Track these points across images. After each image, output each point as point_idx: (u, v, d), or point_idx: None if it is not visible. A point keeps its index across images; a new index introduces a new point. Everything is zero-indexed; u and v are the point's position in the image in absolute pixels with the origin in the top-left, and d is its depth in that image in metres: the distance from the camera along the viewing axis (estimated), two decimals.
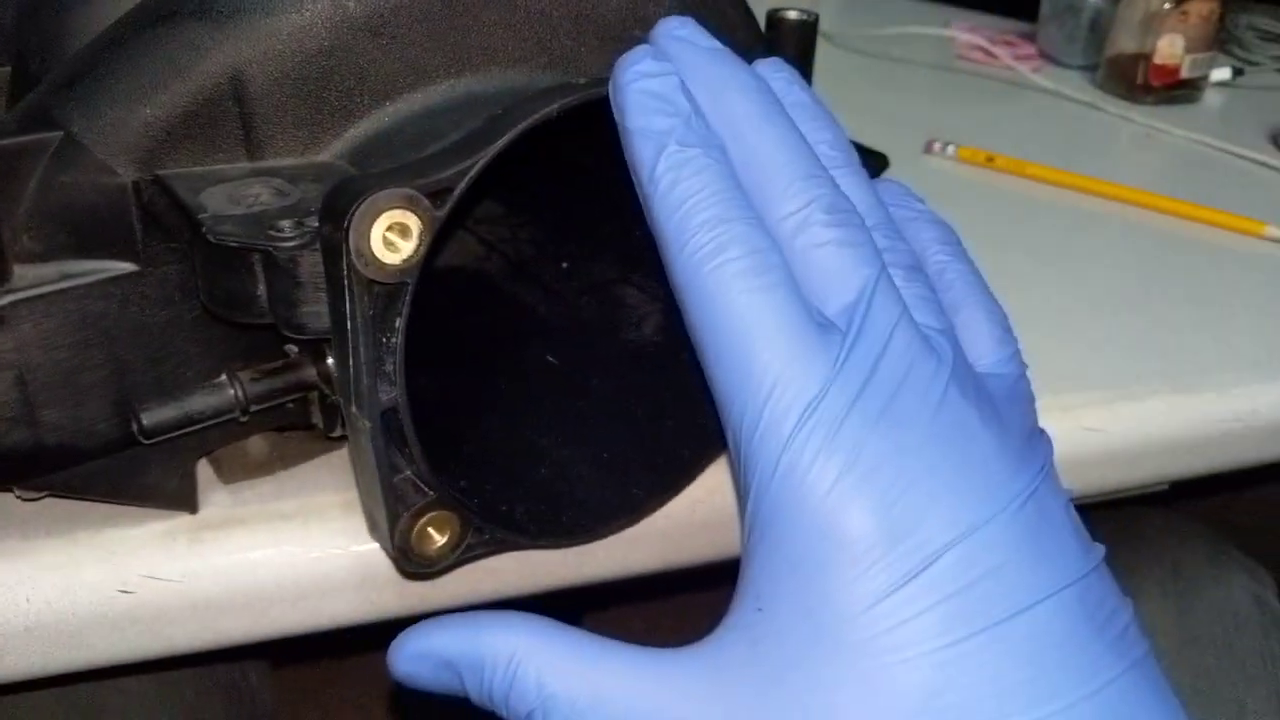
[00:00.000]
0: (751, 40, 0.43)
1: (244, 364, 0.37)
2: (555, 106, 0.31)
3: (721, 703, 0.27)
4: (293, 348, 0.37)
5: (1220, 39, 0.88)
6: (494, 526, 0.35)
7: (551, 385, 0.44)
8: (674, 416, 0.41)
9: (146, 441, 0.33)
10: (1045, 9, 0.94)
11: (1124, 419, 0.49)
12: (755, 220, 0.28)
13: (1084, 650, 0.26)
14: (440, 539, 0.34)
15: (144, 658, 0.39)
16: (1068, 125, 0.84)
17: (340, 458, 0.41)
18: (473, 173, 0.29)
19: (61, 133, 0.34)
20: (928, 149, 0.76)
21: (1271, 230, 0.66)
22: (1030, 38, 0.97)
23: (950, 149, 0.76)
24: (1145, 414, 0.50)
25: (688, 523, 0.41)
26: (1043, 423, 0.47)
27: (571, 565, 0.41)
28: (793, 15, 0.48)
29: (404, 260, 0.29)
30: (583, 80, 0.33)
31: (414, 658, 0.31)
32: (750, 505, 0.28)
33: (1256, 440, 0.51)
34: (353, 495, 0.39)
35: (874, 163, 0.70)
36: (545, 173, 0.42)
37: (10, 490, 0.38)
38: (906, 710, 0.25)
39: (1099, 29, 0.89)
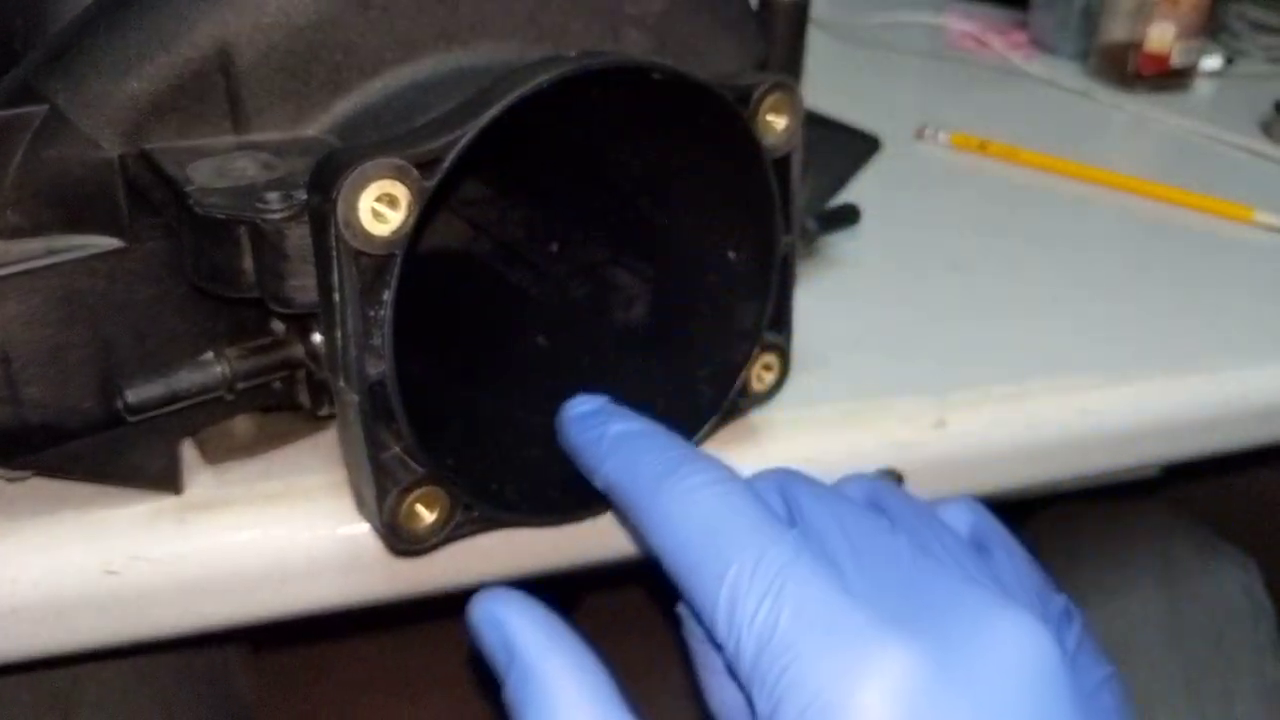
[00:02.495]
0: (747, 29, 0.43)
1: (230, 342, 0.37)
2: (546, 78, 0.30)
3: None
4: (279, 325, 0.37)
5: (1211, 28, 0.88)
6: (483, 504, 0.34)
7: (542, 366, 0.43)
8: (664, 396, 0.41)
9: (131, 419, 0.33)
10: None
11: (1119, 402, 0.49)
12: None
13: None
14: (429, 516, 0.33)
15: (129, 639, 0.39)
16: (1059, 113, 0.84)
17: (328, 439, 0.41)
18: (462, 143, 0.29)
19: (46, 107, 0.33)
20: (919, 135, 0.76)
21: (1260, 216, 0.66)
22: (1022, 26, 0.97)
23: (942, 135, 0.76)
24: (1139, 397, 0.50)
25: None
26: (1038, 405, 0.48)
27: (563, 548, 0.40)
28: None
29: (392, 232, 0.29)
30: (573, 53, 0.33)
31: (488, 622, 0.32)
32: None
33: (1247, 423, 0.52)
34: (340, 476, 0.39)
35: (865, 145, 0.70)
36: (534, 154, 0.41)
37: None
38: None
39: (1090, 17, 0.89)
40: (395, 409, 0.31)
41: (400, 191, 0.28)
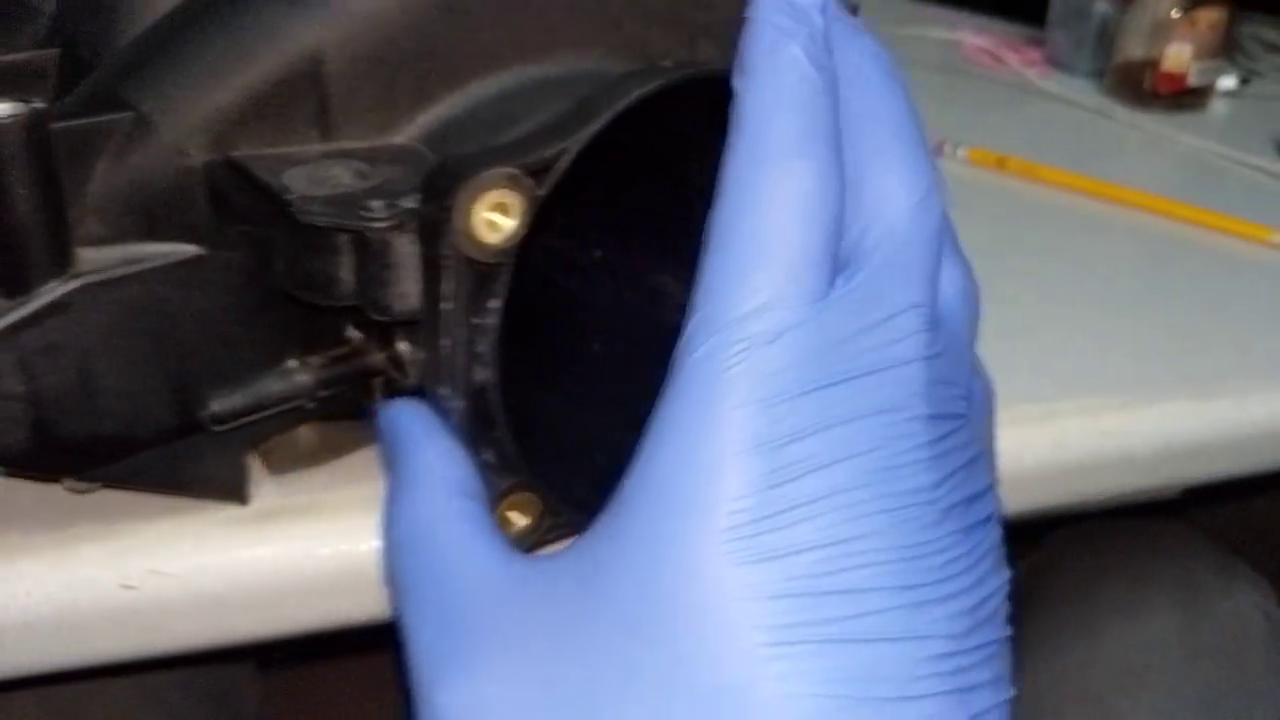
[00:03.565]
0: None
1: (299, 351, 0.36)
2: (651, 88, 0.30)
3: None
4: (355, 333, 0.37)
5: (1226, 48, 0.89)
6: (567, 508, 0.34)
7: (602, 372, 0.43)
8: None
9: (217, 428, 0.33)
10: (1053, 14, 0.95)
11: (1143, 423, 0.49)
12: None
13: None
14: (521, 521, 0.33)
15: (146, 655, 0.38)
16: (1075, 130, 0.85)
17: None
18: (574, 151, 0.29)
19: (131, 114, 0.33)
20: (938, 150, 0.76)
21: (1278, 237, 0.66)
22: (1037, 43, 0.98)
23: (961, 151, 0.76)
24: (1164, 418, 0.50)
25: None
26: (1061, 426, 0.48)
27: None
28: None
29: (504, 240, 0.29)
30: (668, 64, 0.33)
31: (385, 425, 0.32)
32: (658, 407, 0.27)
33: (1273, 445, 0.52)
34: (367, 491, 0.38)
35: None
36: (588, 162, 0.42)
37: (58, 482, 0.37)
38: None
39: (1106, 35, 0.90)
40: (496, 415, 0.31)
41: (513, 200, 0.28)
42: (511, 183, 0.28)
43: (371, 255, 0.30)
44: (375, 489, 0.38)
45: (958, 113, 0.87)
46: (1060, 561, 0.69)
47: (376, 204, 0.30)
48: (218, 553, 0.37)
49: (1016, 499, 0.47)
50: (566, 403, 0.41)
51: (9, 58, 0.40)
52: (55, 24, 0.42)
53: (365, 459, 0.41)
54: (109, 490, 0.37)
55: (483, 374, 0.30)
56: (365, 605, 0.39)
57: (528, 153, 0.29)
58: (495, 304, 0.29)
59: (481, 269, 0.29)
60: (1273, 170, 0.78)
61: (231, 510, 0.38)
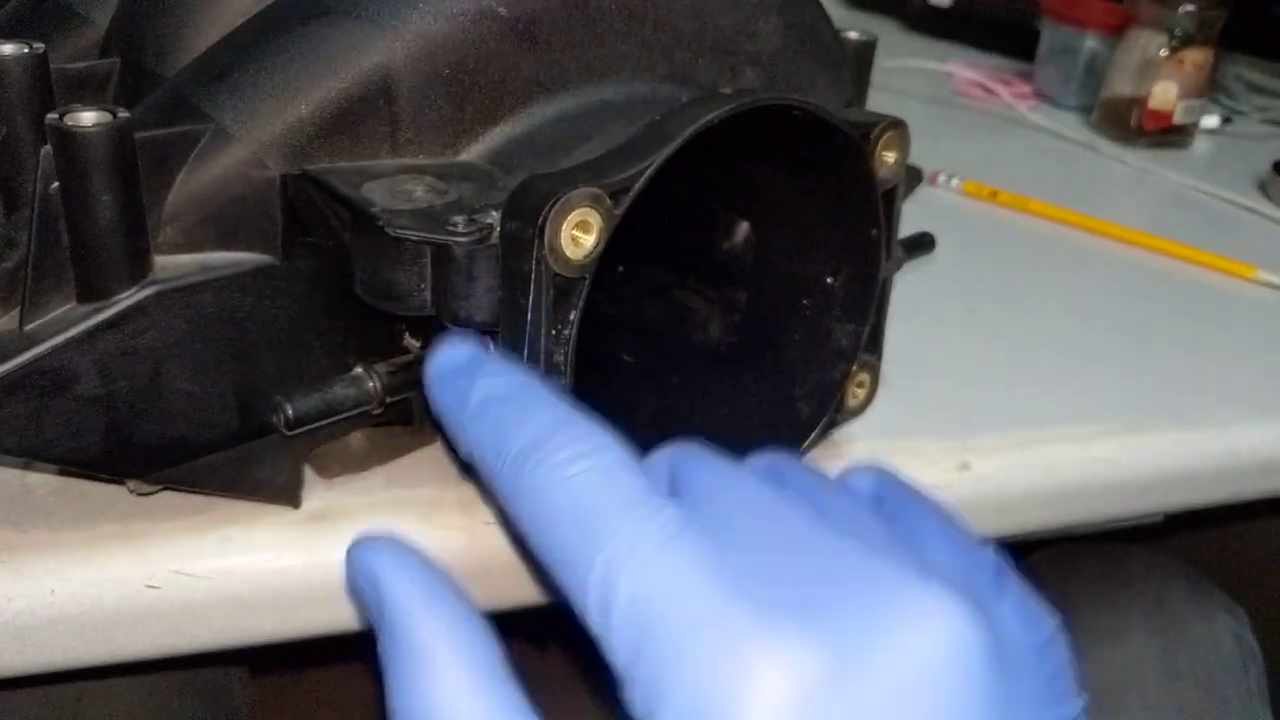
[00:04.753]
0: (841, 70, 0.45)
1: (358, 358, 0.38)
2: (718, 114, 0.32)
3: None
4: (414, 342, 0.38)
5: (1211, 88, 0.92)
6: None
7: (633, 383, 0.45)
8: (761, 412, 0.43)
9: (289, 433, 0.34)
10: (1043, 49, 0.98)
11: (1132, 451, 0.51)
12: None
13: None
14: None
15: (168, 654, 0.39)
16: (1063, 163, 0.87)
17: (429, 453, 0.42)
18: (649, 173, 0.30)
19: (212, 125, 0.34)
20: (931, 181, 0.78)
21: (1261, 274, 0.69)
22: (1027, 77, 1.01)
23: (955, 181, 0.78)
24: (1152, 447, 0.51)
25: None
26: (1056, 452, 0.49)
27: None
28: (854, 36, 0.49)
29: (585, 256, 0.30)
30: (726, 91, 0.34)
31: (361, 574, 0.29)
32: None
33: (1253, 475, 0.54)
34: (387, 496, 0.40)
35: (911, 175, 0.71)
36: None
37: (123, 483, 0.38)
38: None
39: (1095, 71, 0.93)
40: None
41: (594, 218, 0.30)
42: (594, 202, 0.29)
43: (454, 268, 0.31)
44: (396, 495, 0.40)
45: (948, 143, 0.89)
46: (1037, 585, 0.70)
47: (459, 219, 0.31)
48: (241, 555, 0.38)
49: (1008, 522, 0.48)
50: (605, 414, 0.42)
51: (71, 66, 0.41)
52: (111, 32, 0.43)
53: (406, 464, 0.42)
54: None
55: (561, 383, 0.31)
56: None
57: (609, 174, 0.30)
58: (573, 316, 0.31)
59: (563, 283, 0.30)
60: (1254, 207, 0.81)
61: (252, 512, 0.39)
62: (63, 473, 0.39)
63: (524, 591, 0.40)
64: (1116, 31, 0.90)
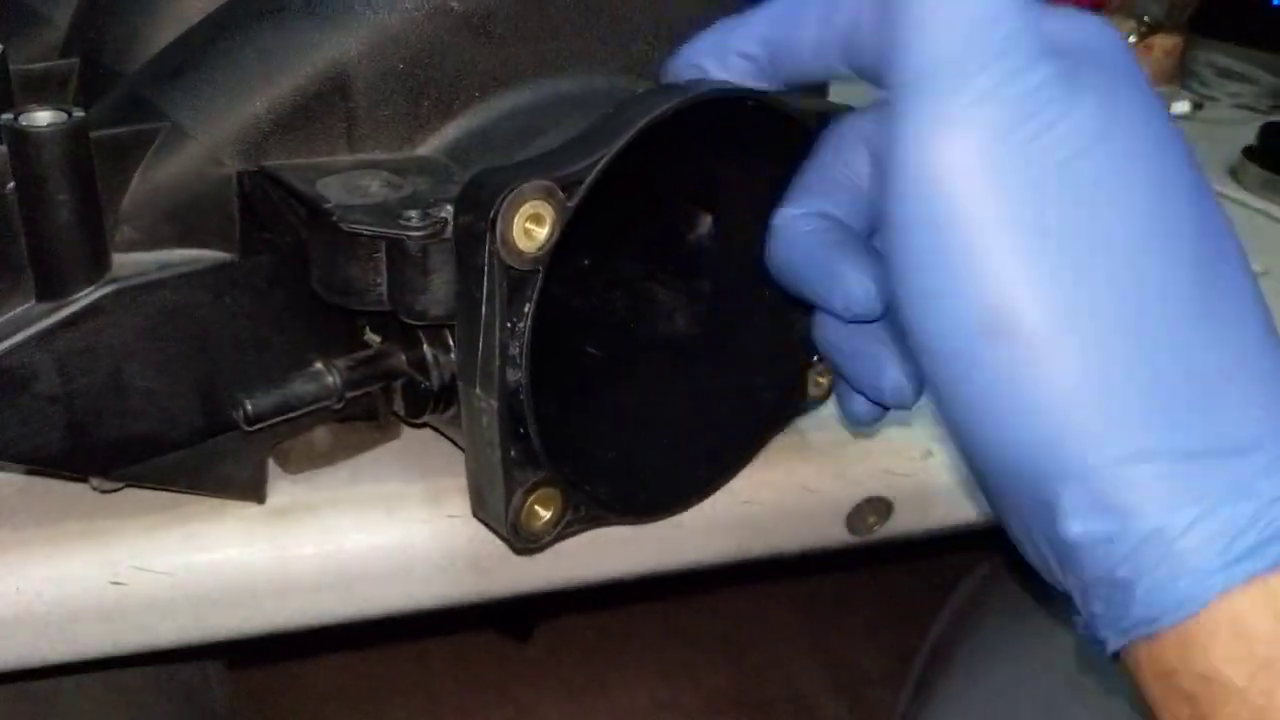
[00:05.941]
0: None
1: (319, 353, 0.38)
2: (670, 106, 0.32)
3: None
4: (375, 337, 0.38)
5: (1180, 75, 0.92)
6: (589, 502, 0.36)
7: (599, 375, 0.45)
8: (726, 401, 0.43)
9: (249, 428, 0.34)
10: None
11: None
12: None
13: None
14: (545, 515, 0.35)
15: (134, 650, 0.39)
16: None
17: (394, 448, 0.42)
18: (601, 165, 0.31)
19: (168, 123, 0.34)
20: None
21: None
22: None
23: None
24: None
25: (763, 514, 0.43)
26: None
27: (635, 554, 0.42)
28: None
29: (538, 248, 0.30)
30: (681, 82, 0.35)
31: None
32: None
33: None
34: (352, 491, 0.40)
35: None
36: None
37: (86, 480, 0.38)
38: None
39: None
40: (528, 415, 0.32)
41: (546, 210, 0.30)
42: (546, 194, 0.30)
43: (409, 263, 0.31)
44: (361, 490, 0.41)
45: None
46: (1015, 571, 0.70)
47: (413, 214, 0.31)
48: (206, 550, 0.38)
49: (977, 508, 0.49)
50: (571, 404, 0.43)
51: (30, 66, 0.41)
52: (71, 33, 0.43)
53: (371, 459, 0.42)
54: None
55: (515, 375, 0.31)
56: (350, 602, 0.40)
57: (562, 167, 0.30)
58: (528, 308, 0.31)
59: (516, 275, 0.30)
60: (1225, 193, 0.81)
61: (216, 507, 0.39)
62: (27, 471, 0.39)
63: (491, 584, 0.41)
64: None
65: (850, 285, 0.31)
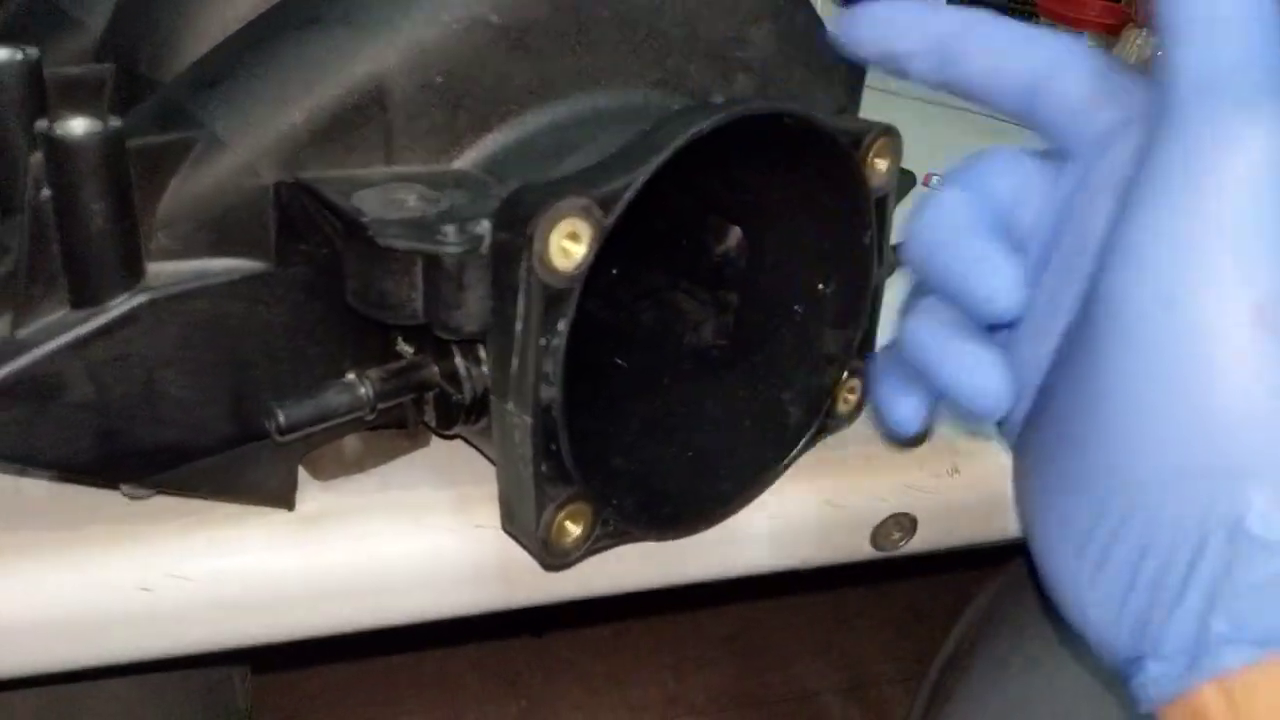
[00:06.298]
0: (835, 76, 0.45)
1: (352, 364, 0.38)
2: (709, 124, 0.32)
3: None
4: (407, 348, 0.38)
5: None
6: (617, 517, 0.36)
7: (625, 387, 0.45)
8: (750, 415, 0.43)
9: (281, 439, 0.34)
10: None
11: None
12: None
13: None
14: (575, 531, 0.35)
15: (161, 656, 0.39)
16: None
17: (422, 456, 0.42)
18: (638, 184, 0.31)
19: (205, 132, 0.34)
20: (925, 182, 0.78)
21: None
22: None
23: None
24: None
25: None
26: None
27: (658, 567, 0.42)
28: None
29: (575, 266, 0.30)
30: (718, 100, 0.34)
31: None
32: None
33: None
34: (381, 498, 0.40)
35: (904, 180, 0.72)
36: None
37: (117, 488, 0.38)
38: None
39: None
40: (560, 431, 0.32)
41: (583, 228, 0.30)
42: (584, 213, 0.30)
43: (445, 278, 0.31)
44: (390, 497, 0.41)
45: (944, 144, 0.89)
46: (1028, 583, 0.70)
47: (449, 228, 0.31)
48: (234, 556, 0.38)
49: (996, 526, 0.49)
50: (599, 417, 0.43)
51: (65, 71, 0.41)
52: (106, 37, 0.43)
53: (400, 467, 0.42)
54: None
55: (549, 392, 0.31)
56: (377, 609, 0.40)
57: (600, 184, 0.30)
58: (563, 325, 0.31)
59: (553, 293, 0.30)
60: None
61: (245, 514, 0.39)
62: (57, 477, 0.40)
63: (516, 593, 0.41)
64: (1113, 30, 0.90)
65: (1003, 278, 0.31)
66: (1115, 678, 0.30)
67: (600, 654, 1.44)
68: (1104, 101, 0.30)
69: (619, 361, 0.46)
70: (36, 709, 0.48)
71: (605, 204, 0.30)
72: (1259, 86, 0.26)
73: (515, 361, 0.31)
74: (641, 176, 0.31)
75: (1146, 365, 0.27)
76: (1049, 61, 0.31)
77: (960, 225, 0.32)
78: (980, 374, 0.32)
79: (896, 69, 0.34)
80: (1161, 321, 0.27)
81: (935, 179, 0.77)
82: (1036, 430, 0.32)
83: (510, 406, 0.32)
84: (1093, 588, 0.29)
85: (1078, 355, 0.29)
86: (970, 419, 0.35)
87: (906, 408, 0.35)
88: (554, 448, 0.33)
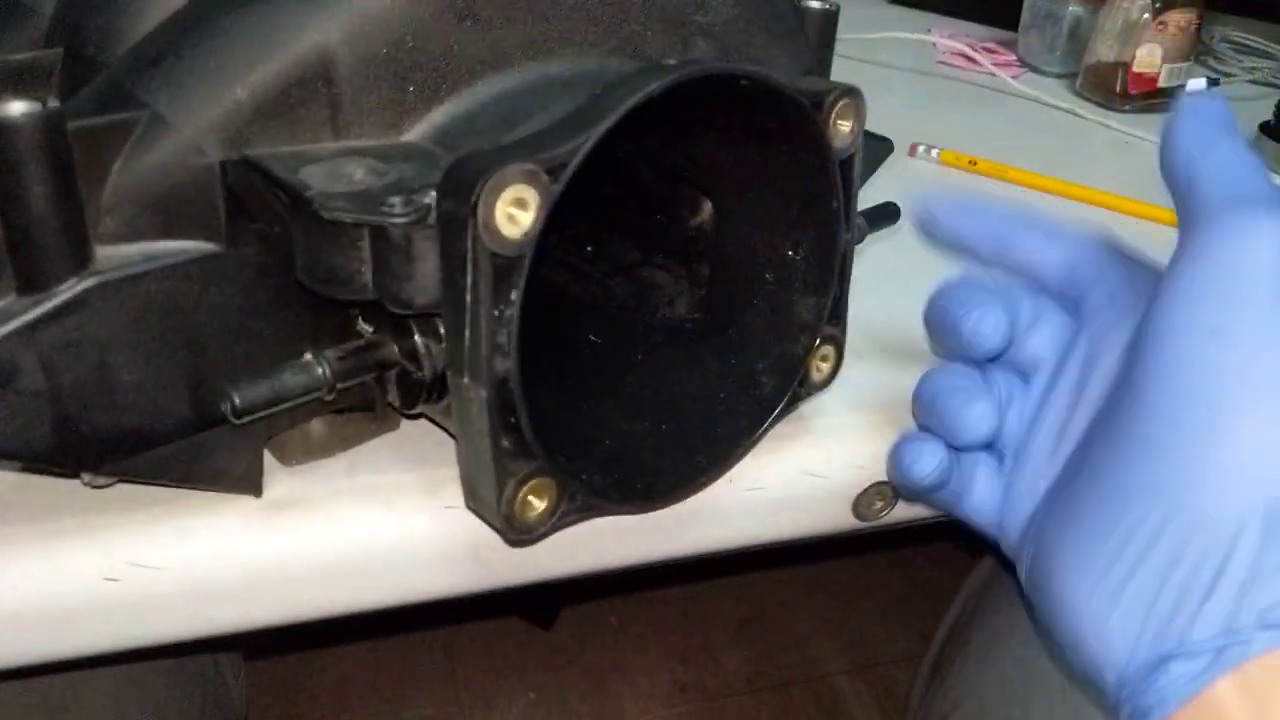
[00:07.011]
0: (798, 40, 0.44)
1: (311, 344, 0.37)
2: (657, 86, 0.31)
3: None
4: (367, 327, 0.37)
5: (1196, 50, 0.91)
6: (585, 492, 0.35)
7: (598, 362, 0.44)
8: (725, 388, 0.42)
9: (238, 421, 0.33)
10: (1025, 17, 0.97)
11: None
12: None
13: None
14: (539, 506, 0.34)
15: (131, 646, 0.39)
16: (1047, 130, 0.86)
17: (392, 439, 0.42)
18: (586, 148, 0.30)
19: (148, 112, 0.34)
20: (911, 152, 0.78)
21: None
22: (1010, 45, 1.00)
23: (934, 152, 0.77)
24: None
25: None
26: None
27: (633, 544, 0.41)
28: (815, 5, 0.49)
29: (522, 234, 0.29)
30: (670, 62, 0.34)
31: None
32: None
33: None
34: (350, 483, 0.40)
35: (880, 147, 0.71)
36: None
37: (78, 476, 0.38)
38: None
39: (1078, 37, 0.92)
40: (518, 404, 0.32)
41: (530, 195, 0.29)
42: (530, 178, 0.29)
43: (393, 250, 0.30)
44: (359, 481, 0.40)
45: (933, 113, 0.88)
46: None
47: (396, 200, 0.30)
48: (202, 544, 0.38)
49: None
50: (569, 393, 0.42)
51: (12, 57, 0.40)
52: (55, 22, 0.43)
53: (368, 450, 0.42)
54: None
55: (504, 364, 0.31)
56: (350, 594, 0.40)
57: (545, 149, 0.29)
58: (515, 295, 0.30)
59: (501, 262, 0.29)
60: None
61: (213, 501, 0.38)
62: (20, 468, 0.39)
63: (490, 574, 0.40)
64: None
65: (991, 313, 0.39)
66: (1108, 706, 0.32)
67: (607, 644, 1.44)
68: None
69: (592, 337, 0.46)
70: (24, 706, 0.47)
71: (552, 169, 0.29)
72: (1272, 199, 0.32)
73: (468, 333, 0.30)
74: (590, 141, 0.30)
75: (1193, 383, 0.31)
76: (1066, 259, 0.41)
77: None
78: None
79: (965, 252, 0.42)
80: (1209, 347, 0.31)
81: (920, 148, 0.77)
82: (1059, 503, 0.35)
83: (466, 380, 0.31)
84: (1113, 608, 0.31)
85: (1119, 405, 0.34)
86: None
87: (934, 456, 0.40)
88: (513, 421, 0.32)
